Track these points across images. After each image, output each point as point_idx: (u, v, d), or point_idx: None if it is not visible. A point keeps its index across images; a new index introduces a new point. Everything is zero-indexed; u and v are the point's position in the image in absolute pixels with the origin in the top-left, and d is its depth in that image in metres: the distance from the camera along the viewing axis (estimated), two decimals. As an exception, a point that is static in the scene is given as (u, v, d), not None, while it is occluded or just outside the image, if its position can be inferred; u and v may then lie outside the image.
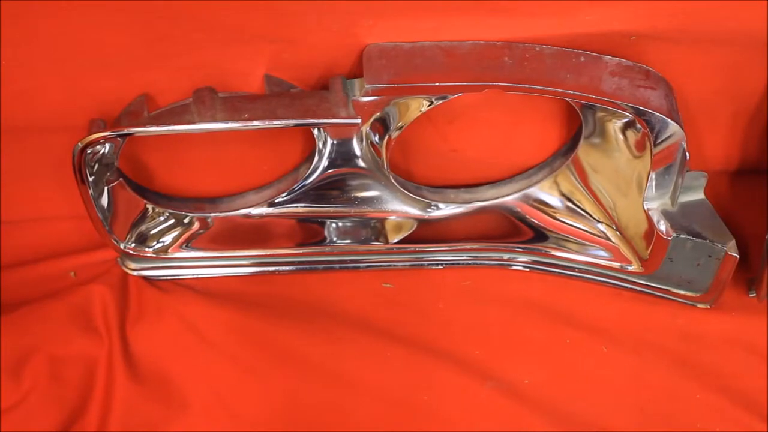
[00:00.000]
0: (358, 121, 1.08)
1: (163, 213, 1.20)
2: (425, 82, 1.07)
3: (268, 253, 1.23)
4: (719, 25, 1.11)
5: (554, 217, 1.23)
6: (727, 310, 1.22)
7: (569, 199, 1.23)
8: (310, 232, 1.22)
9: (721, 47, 1.14)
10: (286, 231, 1.22)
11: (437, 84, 1.07)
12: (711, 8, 1.08)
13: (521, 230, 1.24)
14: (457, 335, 1.20)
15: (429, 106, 1.10)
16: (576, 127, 1.19)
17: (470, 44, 1.09)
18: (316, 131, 1.13)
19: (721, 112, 1.22)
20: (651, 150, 1.10)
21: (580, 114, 1.14)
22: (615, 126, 1.13)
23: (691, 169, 1.14)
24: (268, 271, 1.24)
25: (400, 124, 1.12)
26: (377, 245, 1.23)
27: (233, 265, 1.24)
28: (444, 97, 1.09)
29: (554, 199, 1.23)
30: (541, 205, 1.23)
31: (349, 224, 1.22)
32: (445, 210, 1.22)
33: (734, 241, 1.14)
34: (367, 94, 1.08)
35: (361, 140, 1.13)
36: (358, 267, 1.24)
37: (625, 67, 1.09)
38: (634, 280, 1.23)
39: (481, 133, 1.20)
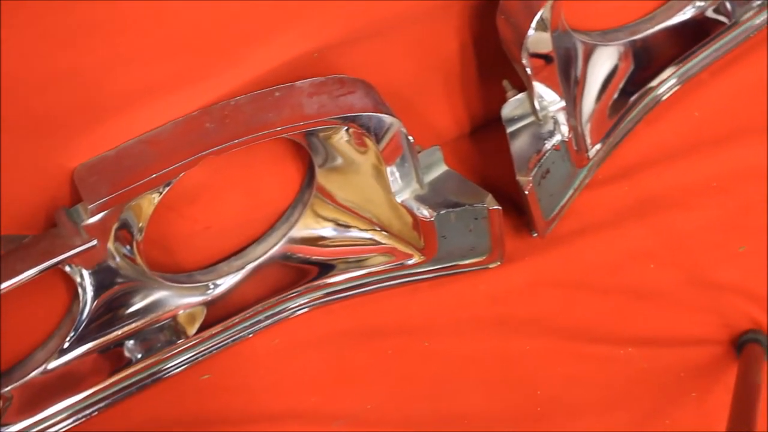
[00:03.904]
0: (94, 242, 1.07)
1: (-43, 406, 1.17)
2: (141, 179, 1.06)
3: (81, 398, 1.20)
4: (389, 10, 1.13)
5: (327, 246, 1.24)
6: (518, 259, 1.24)
7: (333, 223, 1.23)
8: (111, 360, 1.20)
9: (405, 28, 1.17)
10: (89, 369, 1.19)
11: (154, 176, 1.06)
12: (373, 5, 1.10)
13: (305, 270, 1.24)
14: (288, 393, 1.20)
15: (160, 196, 1.10)
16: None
17: (170, 125, 1.09)
18: (67, 268, 1.11)
19: (432, 84, 1.25)
20: (377, 148, 1.11)
21: (304, 143, 1.15)
22: (339, 140, 1.14)
23: (427, 146, 1.16)
24: (87, 414, 1.21)
25: (140, 225, 1.11)
26: (180, 343, 1.22)
27: (53, 424, 1.20)
28: (168, 184, 1.09)
29: (320, 230, 1.23)
30: (311, 240, 1.23)
31: (145, 335, 1.21)
32: (224, 284, 1.21)
33: (491, 195, 1.17)
34: (93, 214, 1.06)
35: (114, 257, 1.12)
36: (170, 372, 1.23)
37: (319, 83, 1.10)
38: (423, 269, 1.24)
39: (225, 200, 1.20)
